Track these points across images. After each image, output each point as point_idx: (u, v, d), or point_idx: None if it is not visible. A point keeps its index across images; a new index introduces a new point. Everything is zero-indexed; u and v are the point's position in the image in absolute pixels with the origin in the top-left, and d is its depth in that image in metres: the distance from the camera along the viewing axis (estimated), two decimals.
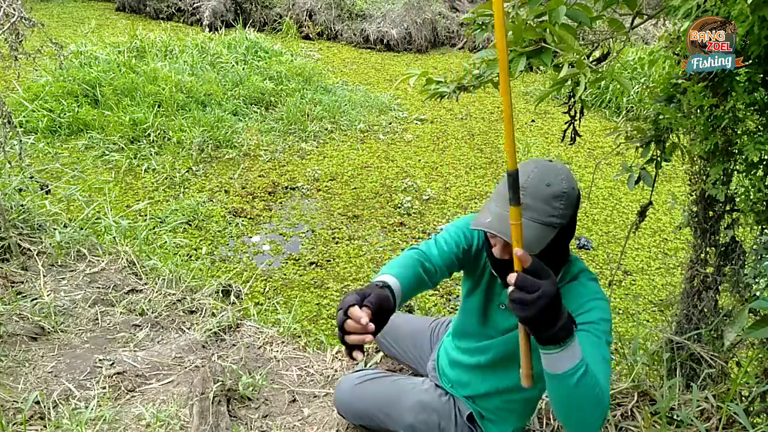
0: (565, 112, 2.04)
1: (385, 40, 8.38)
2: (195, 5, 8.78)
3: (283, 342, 2.30)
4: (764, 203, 1.55)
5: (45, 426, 1.70)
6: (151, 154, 4.61)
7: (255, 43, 6.88)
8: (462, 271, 1.50)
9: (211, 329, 2.27)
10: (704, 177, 1.70)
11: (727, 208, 1.72)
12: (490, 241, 1.29)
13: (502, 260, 1.26)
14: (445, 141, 5.50)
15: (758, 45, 1.34)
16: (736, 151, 1.58)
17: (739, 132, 1.57)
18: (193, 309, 2.47)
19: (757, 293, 1.66)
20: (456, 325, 1.58)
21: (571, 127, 2.01)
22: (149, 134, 4.80)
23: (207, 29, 8.25)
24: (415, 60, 8.12)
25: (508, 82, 0.89)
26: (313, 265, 3.54)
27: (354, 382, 1.68)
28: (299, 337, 2.44)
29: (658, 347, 1.94)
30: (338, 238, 3.85)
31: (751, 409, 1.69)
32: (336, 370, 2.11)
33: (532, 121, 6.12)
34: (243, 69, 6.22)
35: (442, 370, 1.65)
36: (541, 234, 1.17)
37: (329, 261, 3.60)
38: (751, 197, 1.57)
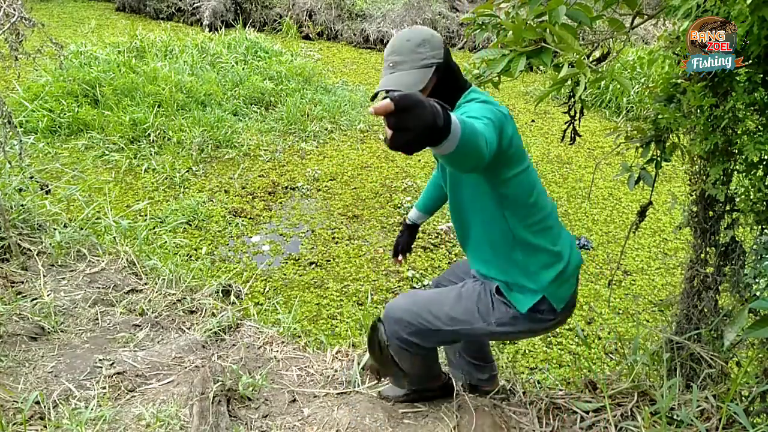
0: (565, 112, 2.04)
1: (385, 40, 8.38)
2: (195, 5, 8.78)
3: (283, 342, 2.29)
4: (764, 203, 1.55)
5: (45, 426, 1.70)
6: (151, 154, 4.61)
7: (255, 43, 6.88)
8: None
9: (211, 329, 2.27)
10: (704, 177, 1.70)
11: (727, 208, 1.72)
12: None
13: None
14: None
15: (758, 45, 1.35)
16: (736, 151, 1.58)
17: (739, 132, 1.57)
18: (193, 309, 2.47)
19: (757, 293, 1.66)
20: None
21: (571, 126, 2.02)
22: (149, 134, 4.80)
23: (207, 29, 8.25)
24: None
25: None
26: (313, 265, 3.54)
27: (409, 293, 1.75)
28: (299, 337, 2.45)
29: (658, 347, 1.94)
30: (338, 238, 3.85)
31: (751, 409, 1.69)
32: (336, 370, 2.11)
33: (532, 121, 6.12)
34: (243, 69, 6.22)
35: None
36: (419, 76, 1.40)
37: (329, 261, 3.59)
38: (751, 197, 1.57)
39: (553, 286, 1.52)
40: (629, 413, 1.79)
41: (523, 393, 1.97)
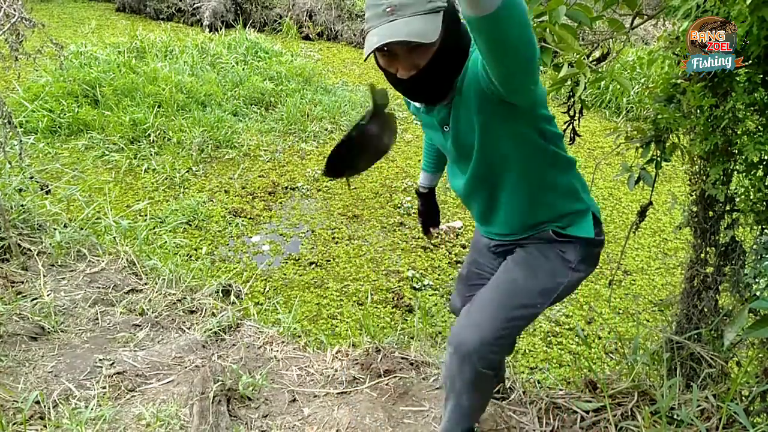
0: (564, 112, 2.04)
1: None
2: (195, 5, 8.78)
3: (283, 342, 2.30)
4: (764, 203, 1.55)
5: (45, 426, 1.70)
6: (151, 155, 4.61)
7: (255, 43, 6.88)
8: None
9: (211, 329, 2.27)
10: (704, 177, 1.70)
11: (727, 208, 1.72)
12: (390, 71, 1.27)
13: (414, 82, 1.25)
14: None
15: (758, 45, 1.35)
16: (736, 151, 1.58)
17: (739, 132, 1.57)
18: (193, 309, 2.47)
19: (757, 293, 1.66)
20: (450, 183, 1.54)
21: (571, 126, 2.02)
22: (149, 134, 4.80)
23: (207, 30, 8.25)
24: None
25: None
26: (313, 265, 3.54)
27: (476, 307, 1.45)
28: (299, 337, 2.45)
29: (658, 347, 1.94)
30: (338, 238, 3.85)
31: (751, 408, 1.70)
32: (336, 370, 2.11)
33: None
34: (243, 69, 6.22)
35: (488, 233, 1.57)
36: (430, 24, 1.15)
37: (329, 261, 3.59)
38: (751, 197, 1.57)
39: (587, 195, 1.48)
40: (629, 413, 1.79)
41: (523, 393, 1.97)
